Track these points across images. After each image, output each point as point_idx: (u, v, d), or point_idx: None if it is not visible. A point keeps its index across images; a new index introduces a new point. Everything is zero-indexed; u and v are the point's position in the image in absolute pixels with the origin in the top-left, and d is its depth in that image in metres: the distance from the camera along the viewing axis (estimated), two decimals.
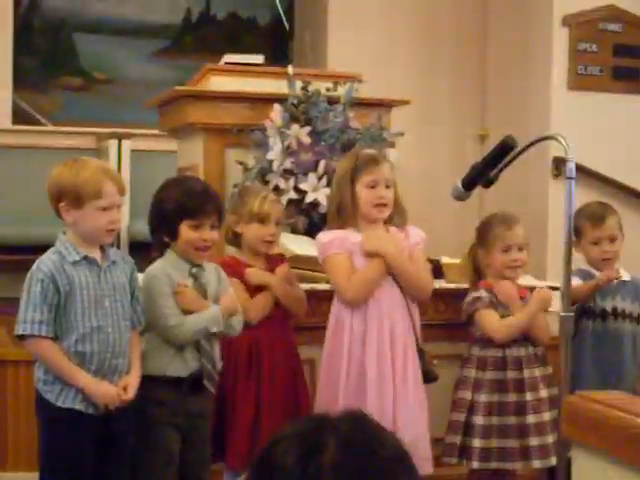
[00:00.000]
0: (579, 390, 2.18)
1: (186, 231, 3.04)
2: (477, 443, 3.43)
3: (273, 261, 3.44)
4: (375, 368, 3.22)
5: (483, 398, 3.45)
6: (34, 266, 2.84)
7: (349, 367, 3.23)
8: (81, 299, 2.82)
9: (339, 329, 3.28)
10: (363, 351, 3.23)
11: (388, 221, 3.33)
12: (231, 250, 3.57)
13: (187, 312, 3.04)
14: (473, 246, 3.64)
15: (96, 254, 2.89)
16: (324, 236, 3.32)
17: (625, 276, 3.84)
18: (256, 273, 3.35)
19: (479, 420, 3.44)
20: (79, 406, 2.83)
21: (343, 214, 3.28)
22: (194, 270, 3.09)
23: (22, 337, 2.82)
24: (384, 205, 3.27)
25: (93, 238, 2.90)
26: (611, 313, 3.76)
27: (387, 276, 3.26)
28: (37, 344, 2.81)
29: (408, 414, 3.22)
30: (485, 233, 3.58)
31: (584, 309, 3.74)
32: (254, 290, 3.35)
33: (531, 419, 3.44)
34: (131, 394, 2.88)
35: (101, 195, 2.84)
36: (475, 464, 3.45)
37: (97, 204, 2.84)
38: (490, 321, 3.48)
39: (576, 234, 3.78)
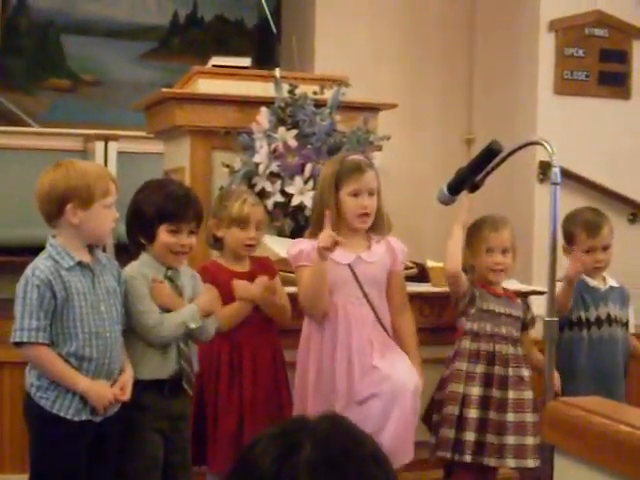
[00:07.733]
0: None
1: (164, 235, 3.02)
2: (471, 437, 3.41)
3: (258, 263, 3.45)
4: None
5: (475, 391, 3.43)
6: (28, 272, 2.79)
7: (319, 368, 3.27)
8: (79, 305, 2.79)
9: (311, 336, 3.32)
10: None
11: (370, 229, 3.34)
12: (214, 254, 3.57)
13: (163, 309, 3.02)
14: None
15: (87, 258, 2.87)
16: (293, 247, 3.33)
17: (612, 282, 3.84)
18: (241, 287, 3.34)
19: (473, 413, 3.42)
20: (74, 413, 2.80)
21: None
22: (169, 272, 3.07)
23: (19, 344, 2.78)
24: (366, 215, 3.27)
25: (98, 237, 2.90)
26: (605, 320, 3.76)
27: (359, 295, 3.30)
28: (34, 351, 2.78)
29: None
30: (472, 235, 3.58)
31: (579, 319, 3.74)
32: (233, 298, 3.34)
33: (511, 417, 3.43)
34: (128, 394, 2.88)
35: (109, 193, 2.86)
36: (468, 458, 3.41)
37: (104, 202, 2.85)
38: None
39: (568, 240, 3.78)
